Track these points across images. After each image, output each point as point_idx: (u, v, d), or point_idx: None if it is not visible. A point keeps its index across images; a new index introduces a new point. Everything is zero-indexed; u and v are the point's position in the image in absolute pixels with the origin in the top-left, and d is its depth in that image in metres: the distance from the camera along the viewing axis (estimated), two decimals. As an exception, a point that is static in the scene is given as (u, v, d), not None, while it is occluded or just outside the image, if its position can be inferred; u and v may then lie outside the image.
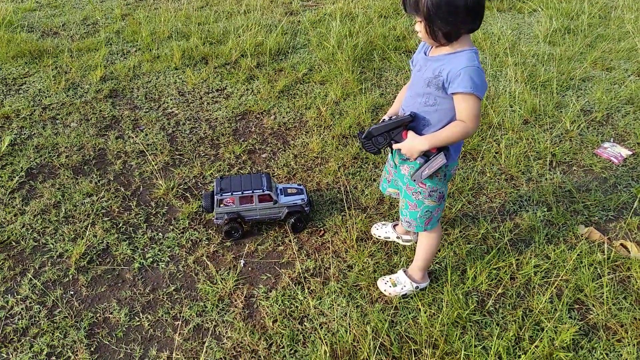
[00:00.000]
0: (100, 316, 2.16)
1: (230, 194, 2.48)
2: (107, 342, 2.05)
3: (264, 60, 4.36)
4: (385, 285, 2.26)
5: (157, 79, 4.07)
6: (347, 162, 3.14)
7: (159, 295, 2.26)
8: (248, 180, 2.55)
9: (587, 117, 3.66)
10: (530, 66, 4.31)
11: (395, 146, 1.94)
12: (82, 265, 2.39)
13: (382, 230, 2.57)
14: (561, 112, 3.70)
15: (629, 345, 2.05)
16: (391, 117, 1.94)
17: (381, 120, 1.96)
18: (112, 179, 2.97)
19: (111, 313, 2.17)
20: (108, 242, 2.52)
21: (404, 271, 2.27)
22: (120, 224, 2.64)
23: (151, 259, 2.44)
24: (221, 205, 2.50)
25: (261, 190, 2.50)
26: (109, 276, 2.35)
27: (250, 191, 2.49)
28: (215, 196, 2.49)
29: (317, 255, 2.49)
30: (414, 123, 1.89)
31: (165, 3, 5.53)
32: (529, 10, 5.71)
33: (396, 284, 2.24)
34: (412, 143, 1.87)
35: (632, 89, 3.98)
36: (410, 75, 1.99)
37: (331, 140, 3.33)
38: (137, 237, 2.56)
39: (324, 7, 5.57)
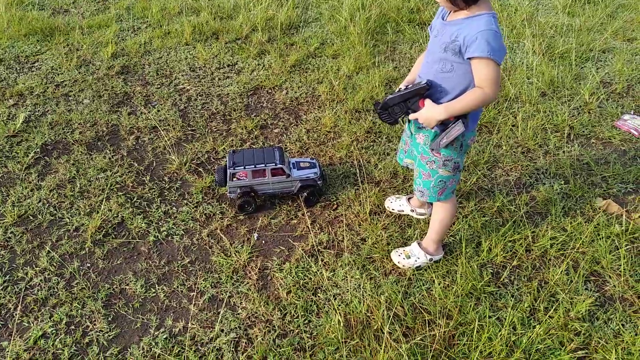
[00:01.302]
0: (116, 287, 2.19)
1: (243, 167, 2.48)
2: (124, 312, 2.08)
3: (275, 34, 4.31)
4: (399, 257, 2.25)
5: (168, 55, 4.04)
6: (360, 136, 3.11)
7: (174, 268, 2.28)
8: (261, 154, 2.54)
9: (607, 89, 3.57)
10: (549, 38, 4.20)
11: (412, 116, 1.90)
12: (98, 238, 2.42)
13: (396, 204, 2.55)
14: (580, 84, 3.62)
15: (646, 316, 2.03)
16: (407, 86, 1.90)
17: (397, 89, 1.92)
18: (125, 154, 2.98)
19: (127, 284, 2.20)
20: (123, 216, 2.54)
21: (418, 243, 2.26)
22: (135, 199, 2.65)
23: (166, 233, 2.46)
24: (234, 179, 2.50)
25: (274, 164, 2.49)
26: (124, 249, 2.38)
27: (263, 165, 2.48)
28: (228, 170, 2.49)
29: (330, 228, 2.48)
30: (430, 90, 1.85)
31: (176, -22, 5.46)
32: (547, -19, 5.54)
33: (410, 256, 2.23)
34: (430, 112, 1.83)
35: (653, 60, 3.87)
36: (427, 45, 1.94)
37: (344, 114, 3.30)
38: (151, 211, 2.58)
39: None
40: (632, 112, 3.34)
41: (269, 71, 3.81)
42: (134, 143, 3.07)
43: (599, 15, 4.58)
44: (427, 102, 1.84)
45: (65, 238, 2.42)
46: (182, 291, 2.18)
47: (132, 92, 3.57)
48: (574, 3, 4.85)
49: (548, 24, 4.44)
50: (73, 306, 2.09)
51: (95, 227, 2.45)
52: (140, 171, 2.85)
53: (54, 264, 2.29)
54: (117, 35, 4.32)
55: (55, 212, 2.56)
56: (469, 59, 1.70)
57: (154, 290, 2.18)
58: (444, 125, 1.83)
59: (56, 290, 2.16)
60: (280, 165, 2.49)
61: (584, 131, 3.17)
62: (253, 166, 2.48)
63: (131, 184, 2.75)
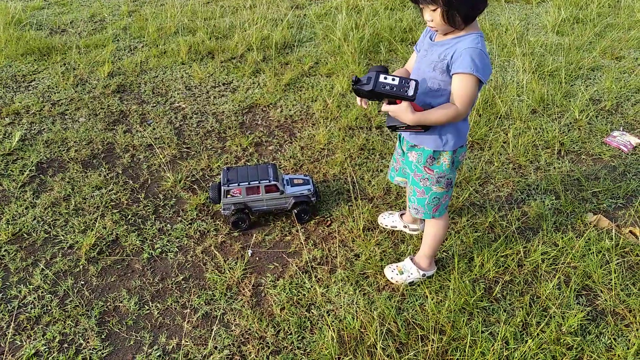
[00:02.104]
0: (110, 305, 2.19)
1: (237, 184, 2.50)
2: (118, 330, 2.08)
3: (270, 54, 4.37)
4: (392, 273, 2.27)
5: (164, 73, 4.09)
6: (354, 153, 3.14)
7: (168, 285, 2.29)
8: (254, 171, 2.57)
9: (596, 106, 3.63)
10: (539, 56, 4.28)
11: (384, 108, 1.83)
12: (92, 256, 2.42)
13: (389, 220, 2.57)
14: (570, 101, 3.68)
15: (637, 330, 2.04)
16: (394, 83, 1.75)
17: (382, 75, 1.78)
18: (120, 172, 3.00)
19: (121, 302, 2.20)
20: (117, 234, 2.55)
21: (411, 259, 2.28)
22: (129, 216, 2.67)
23: (160, 250, 2.47)
24: (228, 196, 2.52)
25: (267, 181, 2.51)
26: (118, 266, 2.38)
27: (257, 182, 2.51)
28: (222, 187, 2.51)
29: (324, 244, 2.50)
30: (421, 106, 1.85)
31: (172, -1, 5.55)
32: (537, 1, 5.67)
33: (403, 272, 2.25)
34: (402, 113, 1.79)
35: (641, 77, 3.94)
36: (408, 60, 1.98)
37: (338, 131, 3.34)
38: (146, 229, 2.59)
39: (329, 0, 5.57)
40: (621, 129, 3.40)
41: (264, 89, 3.86)
42: (129, 161, 3.09)
43: (588, 34, 4.68)
44: (404, 102, 1.79)
45: (60, 256, 2.43)
46: (175, 308, 2.18)
47: (128, 110, 3.60)
48: (563, 23, 4.95)
49: (538, 43, 4.53)
50: (66, 324, 2.09)
51: (90, 245, 2.46)
52: (135, 189, 2.87)
53: (48, 281, 2.29)
54: (114, 54, 4.37)
55: (49, 229, 2.57)
56: (453, 74, 1.74)
57: (147, 308, 2.18)
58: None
59: (49, 308, 2.16)
60: (274, 182, 2.51)
61: (574, 147, 3.22)
62: (247, 183, 2.50)
63: (126, 202, 2.76)
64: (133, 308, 2.17)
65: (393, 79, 1.76)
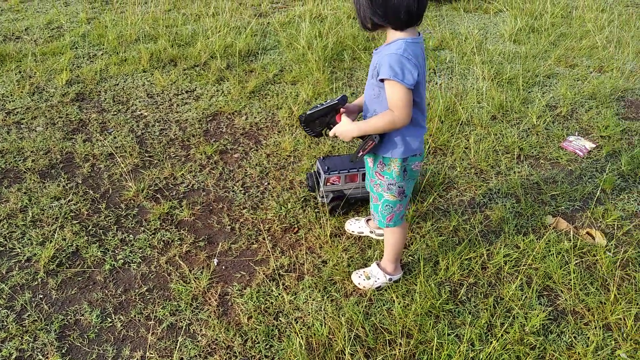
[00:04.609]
0: (71, 318, 2.11)
1: (337, 172, 2.58)
2: (79, 344, 2.01)
3: (234, 61, 4.35)
4: (359, 278, 2.28)
5: (124, 81, 4.01)
6: (320, 160, 3.15)
7: (131, 296, 2.23)
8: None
9: (553, 112, 3.77)
10: (497, 64, 4.41)
11: (330, 133, 2.02)
12: (52, 268, 2.34)
13: (355, 226, 2.59)
14: (527, 107, 3.80)
15: (595, 327, 2.11)
16: (322, 102, 2.02)
17: (315, 105, 2.05)
18: (80, 182, 2.91)
19: (82, 315, 2.13)
20: (77, 245, 2.47)
21: (377, 264, 2.29)
22: (90, 227, 2.59)
23: (122, 261, 2.40)
24: (327, 184, 2.61)
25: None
26: (79, 279, 2.30)
27: (356, 169, 2.60)
28: (322, 175, 2.58)
29: (291, 252, 2.49)
30: (363, 112, 1.98)
31: (132, 6, 5.45)
32: (495, 11, 5.85)
33: (370, 277, 2.26)
34: (345, 128, 1.94)
35: (594, 85, 4.12)
36: None
37: (303, 139, 3.34)
38: (107, 239, 2.52)
39: (293, 9, 5.59)
40: (576, 134, 3.53)
41: (228, 97, 3.83)
42: (89, 170, 3.01)
43: (543, 43, 4.86)
44: (343, 117, 1.95)
45: (16, 269, 2.33)
46: (139, 320, 2.12)
47: (88, 119, 3.51)
48: (519, 32, 5.12)
49: (496, 52, 4.67)
50: (24, 340, 2.00)
51: (49, 257, 2.37)
52: (95, 199, 2.79)
53: (4, 296, 2.19)
54: (72, 62, 4.26)
55: (5, 242, 2.46)
56: (381, 81, 1.78)
57: (110, 320, 2.11)
58: (361, 139, 1.95)
59: (5, 324, 2.07)
60: None
61: (532, 152, 3.32)
62: (347, 171, 2.61)
63: (86, 212, 2.68)
64: (95, 321, 2.10)
65: (320, 103, 2.03)
